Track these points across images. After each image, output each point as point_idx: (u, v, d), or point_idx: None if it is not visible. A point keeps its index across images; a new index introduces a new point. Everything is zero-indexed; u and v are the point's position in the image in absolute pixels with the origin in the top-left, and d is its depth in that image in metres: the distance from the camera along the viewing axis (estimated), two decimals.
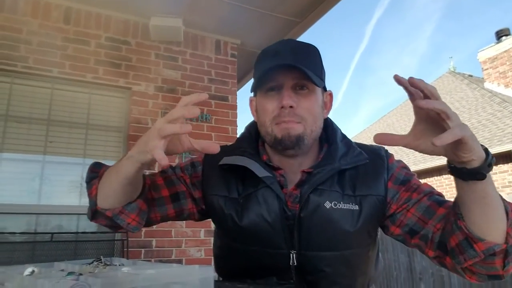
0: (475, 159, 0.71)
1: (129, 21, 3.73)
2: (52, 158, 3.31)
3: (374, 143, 1.04)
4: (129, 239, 3.14)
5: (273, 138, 0.97)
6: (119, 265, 0.69)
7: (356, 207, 0.96)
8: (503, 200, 0.79)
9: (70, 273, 0.56)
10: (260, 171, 0.98)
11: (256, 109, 1.07)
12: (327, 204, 0.94)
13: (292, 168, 1.02)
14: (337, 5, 3.48)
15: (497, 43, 12.55)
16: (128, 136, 3.51)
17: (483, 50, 12.95)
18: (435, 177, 11.00)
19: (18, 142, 3.23)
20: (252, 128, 1.13)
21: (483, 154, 0.72)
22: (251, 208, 0.98)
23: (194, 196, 1.06)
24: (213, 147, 0.80)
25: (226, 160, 1.03)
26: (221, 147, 1.10)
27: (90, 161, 1.00)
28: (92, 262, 0.69)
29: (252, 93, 1.07)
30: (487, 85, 12.69)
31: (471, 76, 14.76)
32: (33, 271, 0.58)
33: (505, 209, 0.78)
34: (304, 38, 5.02)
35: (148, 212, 0.99)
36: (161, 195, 1.03)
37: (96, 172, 0.95)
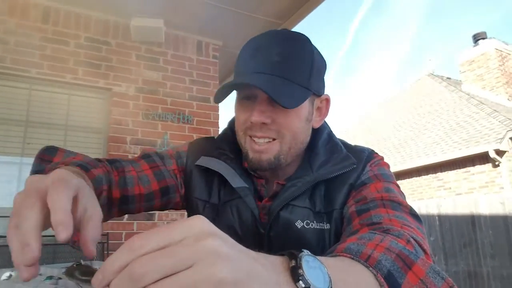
0: None
1: (110, 21, 3.69)
2: (30, 160, 3.22)
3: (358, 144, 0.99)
4: (109, 242, 3.10)
5: (245, 152, 0.88)
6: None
7: (328, 226, 0.86)
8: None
9: (48, 277, 0.55)
10: (235, 181, 0.90)
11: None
12: (299, 224, 0.85)
13: (274, 174, 0.92)
14: (320, 5, 3.50)
15: (474, 46, 12.87)
16: (108, 137, 3.47)
17: (461, 53, 13.27)
18: (415, 178, 11.18)
19: None
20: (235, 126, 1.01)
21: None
22: (225, 219, 0.91)
23: (181, 191, 0.99)
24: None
25: (202, 161, 0.95)
26: (204, 140, 1.05)
27: None
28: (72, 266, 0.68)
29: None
30: (464, 87, 12.98)
31: (449, 78, 15.07)
32: (10, 275, 0.57)
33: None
34: None
35: (129, 205, 0.91)
36: (150, 190, 0.93)
37: (47, 162, 0.84)
